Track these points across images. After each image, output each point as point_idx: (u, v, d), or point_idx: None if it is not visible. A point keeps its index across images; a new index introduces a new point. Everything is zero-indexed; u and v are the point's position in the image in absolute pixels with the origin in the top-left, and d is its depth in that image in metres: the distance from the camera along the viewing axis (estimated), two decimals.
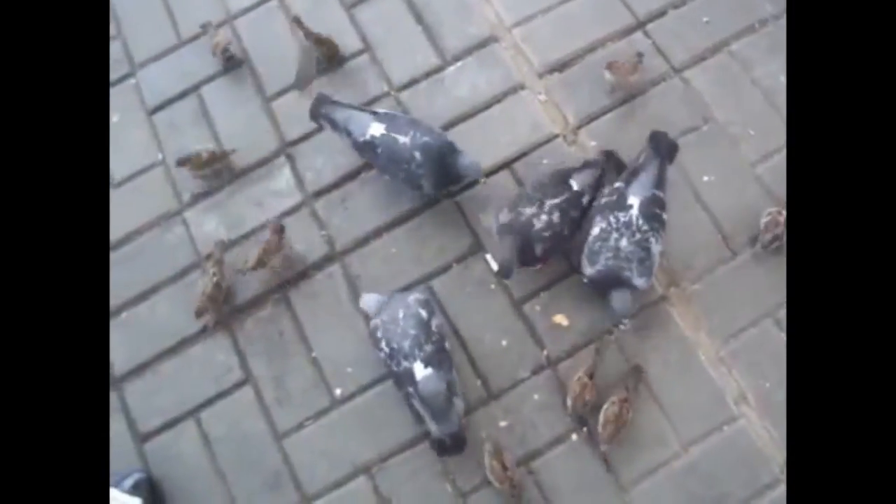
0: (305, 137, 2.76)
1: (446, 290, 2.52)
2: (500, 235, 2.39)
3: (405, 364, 2.21)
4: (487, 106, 2.72)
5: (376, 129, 2.46)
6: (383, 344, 2.25)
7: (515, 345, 2.44)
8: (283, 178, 2.72)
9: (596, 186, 2.43)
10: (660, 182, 2.38)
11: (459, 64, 2.81)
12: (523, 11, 2.87)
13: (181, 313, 2.57)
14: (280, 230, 2.53)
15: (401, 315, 2.26)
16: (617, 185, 2.40)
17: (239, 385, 2.50)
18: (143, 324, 2.59)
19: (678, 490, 2.28)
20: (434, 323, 2.28)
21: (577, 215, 2.41)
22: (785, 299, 2.41)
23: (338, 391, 2.45)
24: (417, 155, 2.41)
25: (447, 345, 2.30)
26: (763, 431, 2.32)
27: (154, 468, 2.44)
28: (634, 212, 2.32)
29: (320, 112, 2.58)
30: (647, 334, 2.42)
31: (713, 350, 2.41)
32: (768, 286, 2.44)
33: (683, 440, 2.32)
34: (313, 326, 2.53)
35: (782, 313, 2.41)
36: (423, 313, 2.27)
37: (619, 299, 2.31)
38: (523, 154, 2.66)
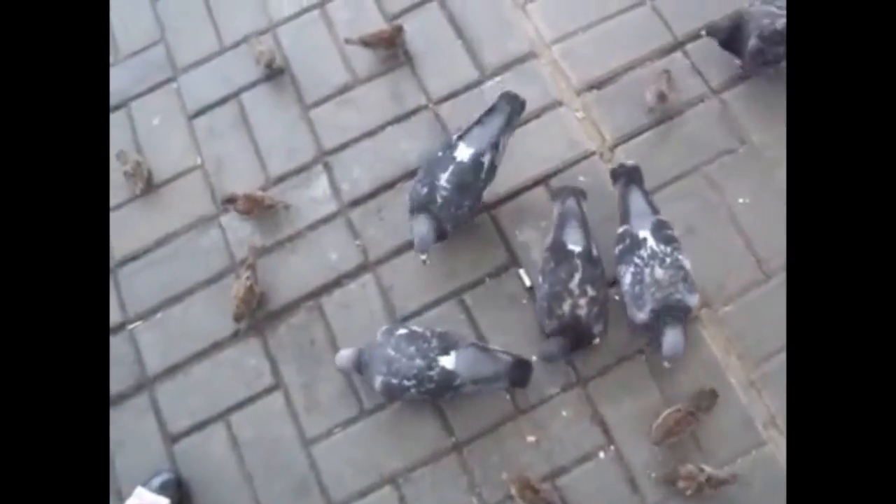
0: (343, 147, 2.78)
1: (478, 304, 2.52)
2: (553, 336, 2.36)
3: (434, 370, 2.26)
4: (525, 121, 2.70)
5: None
6: (404, 381, 2.29)
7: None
8: (319, 186, 2.74)
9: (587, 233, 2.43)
10: (652, 207, 2.40)
11: (498, 79, 2.83)
12: (563, 28, 2.88)
13: (214, 316, 2.61)
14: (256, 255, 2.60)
15: (391, 353, 2.31)
16: (620, 230, 2.40)
17: (269, 390, 2.52)
18: (176, 325, 2.62)
19: None
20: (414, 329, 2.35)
21: (600, 272, 2.41)
22: None
23: (366, 401, 2.47)
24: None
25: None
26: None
27: (182, 469, 2.47)
28: (651, 242, 2.32)
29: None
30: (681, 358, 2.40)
31: (744, 373, 2.40)
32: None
33: (711, 463, 2.29)
34: (345, 335, 2.54)
35: None
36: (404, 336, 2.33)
37: (670, 342, 2.26)
38: (559, 171, 2.66)
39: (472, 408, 2.42)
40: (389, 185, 2.72)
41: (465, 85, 2.83)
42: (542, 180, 2.67)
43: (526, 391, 2.41)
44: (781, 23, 2.49)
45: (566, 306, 2.31)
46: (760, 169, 2.62)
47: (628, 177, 2.46)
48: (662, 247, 2.31)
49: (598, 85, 2.79)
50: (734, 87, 2.73)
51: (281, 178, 2.77)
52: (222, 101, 2.92)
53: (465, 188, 2.41)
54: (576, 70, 2.82)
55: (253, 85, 2.92)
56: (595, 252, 2.41)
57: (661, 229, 2.35)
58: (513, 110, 2.48)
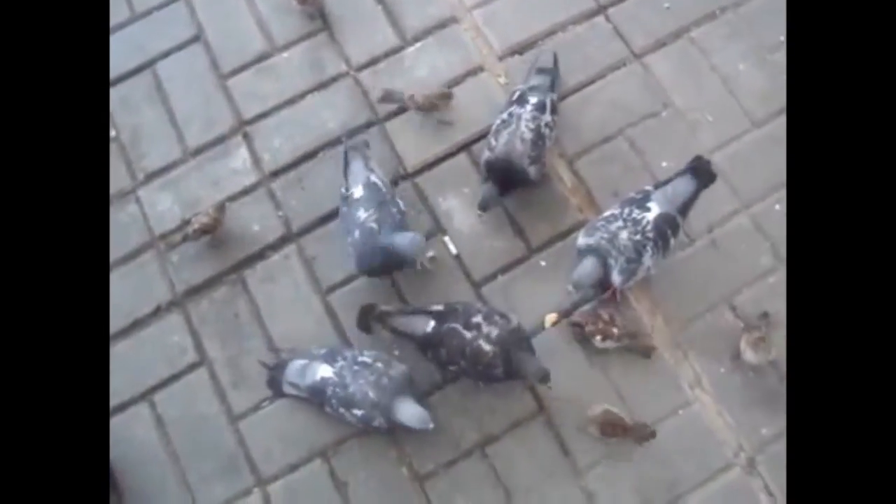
0: (262, 116, 2.73)
1: (406, 272, 2.49)
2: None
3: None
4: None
5: (358, 191, 2.41)
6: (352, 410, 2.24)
7: None
8: (239, 157, 2.68)
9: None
10: (685, 208, 2.36)
11: (419, 45, 2.79)
12: None
13: (134, 293, 2.54)
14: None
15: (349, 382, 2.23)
16: (647, 187, 2.38)
17: (193, 367, 2.47)
18: None
19: (633, 473, 2.31)
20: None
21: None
22: (740, 286, 2.45)
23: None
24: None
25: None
26: (717, 416, 2.35)
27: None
28: (649, 217, 2.30)
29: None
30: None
31: (669, 335, 2.43)
32: (724, 272, 2.47)
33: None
34: (269, 308, 2.50)
35: (738, 299, 2.43)
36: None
37: (585, 269, 2.29)
38: (482, 136, 2.62)
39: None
40: (311, 155, 2.67)
41: (386, 51, 2.79)
42: (465, 146, 2.65)
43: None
44: (524, 130, 2.41)
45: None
46: (683, 131, 2.64)
47: (700, 176, 2.38)
48: (649, 229, 2.28)
49: (520, 50, 2.78)
50: (656, 50, 2.74)
51: (199, 150, 2.70)
52: (136, 71, 2.82)
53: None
54: (497, 35, 2.79)
55: (167, 54, 2.83)
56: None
57: (666, 223, 2.31)
58: None
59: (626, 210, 2.31)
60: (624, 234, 2.27)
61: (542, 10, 2.81)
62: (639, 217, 2.29)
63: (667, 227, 2.31)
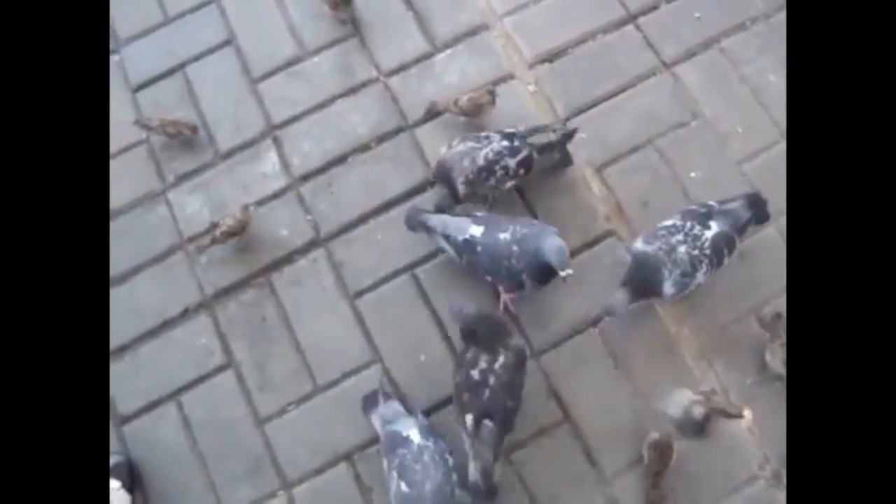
0: (292, 120, 2.74)
1: (431, 278, 2.51)
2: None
3: None
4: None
5: (476, 230, 2.36)
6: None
7: None
8: (269, 161, 2.69)
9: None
10: (742, 230, 2.36)
11: (449, 51, 2.80)
12: (515, 0, 2.86)
13: (163, 295, 2.55)
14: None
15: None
16: (712, 203, 2.37)
17: (221, 369, 2.48)
18: (123, 305, 2.54)
19: None
20: None
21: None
22: (767, 297, 2.44)
23: (319, 378, 2.44)
24: (516, 248, 2.29)
25: None
26: (743, 428, 2.33)
27: (133, 451, 2.42)
28: (709, 234, 2.29)
29: (413, 223, 2.49)
30: (632, 328, 2.41)
31: (695, 345, 2.42)
32: (751, 283, 2.46)
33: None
34: (296, 312, 2.51)
35: (765, 311, 2.41)
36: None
37: (616, 300, 2.29)
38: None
39: (425, 382, 2.41)
40: (340, 160, 2.68)
41: (416, 57, 2.80)
42: None
43: None
44: (482, 155, 2.43)
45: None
46: (712, 142, 2.64)
47: (756, 210, 2.39)
48: (707, 245, 2.27)
49: (550, 58, 2.78)
50: (686, 60, 2.74)
51: (229, 154, 2.71)
52: (167, 74, 2.84)
53: None
54: (528, 43, 2.80)
55: (198, 58, 2.85)
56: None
57: (724, 240, 2.30)
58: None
59: (689, 224, 2.30)
60: (682, 249, 2.27)
61: (573, 19, 2.81)
62: (699, 233, 2.29)
63: (724, 246, 2.31)
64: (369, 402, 2.32)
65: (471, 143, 2.45)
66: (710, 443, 2.31)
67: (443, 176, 2.47)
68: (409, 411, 2.27)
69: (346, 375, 2.44)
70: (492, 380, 2.14)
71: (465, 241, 2.36)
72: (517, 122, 2.61)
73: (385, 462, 2.18)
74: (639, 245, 2.32)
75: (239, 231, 2.52)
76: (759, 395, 2.35)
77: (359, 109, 2.74)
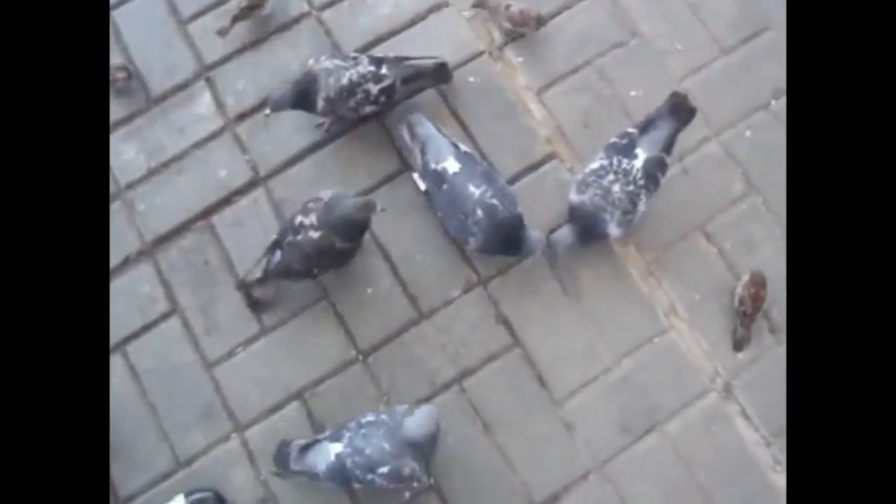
0: (225, 60, 2.67)
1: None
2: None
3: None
4: (411, 23, 2.66)
5: (452, 166, 2.31)
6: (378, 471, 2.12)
7: (446, 264, 2.43)
8: (203, 102, 2.62)
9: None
10: (668, 146, 2.32)
11: None
12: None
13: None
14: None
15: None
16: (630, 130, 2.34)
17: (165, 316, 2.45)
18: None
19: (611, 402, 2.31)
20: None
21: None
22: (712, 213, 2.45)
23: (266, 318, 2.42)
24: (480, 213, 2.26)
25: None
26: (693, 343, 2.36)
27: None
28: (638, 164, 2.27)
29: (405, 118, 2.45)
30: (577, 248, 2.39)
31: (643, 263, 2.42)
32: (696, 199, 2.46)
33: (616, 353, 2.35)
34: (239, 253, 2.47)
35: (710, 227, 2.43)
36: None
37: (562, 235, 2.31)
38: (455, 68, 2.59)
39: (373, 316, 2.39)
40: None
41: None
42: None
43: (427, 294, 2.41)
44: (347, 76, 2.39)
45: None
46: (652, 60, 2.61)
47: (679, 112, 2.32)
48: (640, 176, 2.26)
49: None
50: None
51: (162, 97, 2.64)
52: None
53: None
54: None
55: (124, 1, 2.74)
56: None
57: (654, 165, 2.29)
58: None
59: (615, 160, 2.28)
60: (617, 188, 2.26)
61: None
62: (628, 167, 2.27)
63: (656, 170, 2.30)
64: (281, 456, 2.26)
65: (338, 62, 2.42)
66: (661, 360, 2.34)
67: (304, 87, 2.41)
68: None
69: (293, 314, 2.42)
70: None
71: (435, 171, 2.33)
72: (449, 49, 2.59)
73: None
74: (573, 197, 2.31)
75: (259, 3, 2.56)
76: (708, 310, 2.37)
77: (292, 45, 2.67)
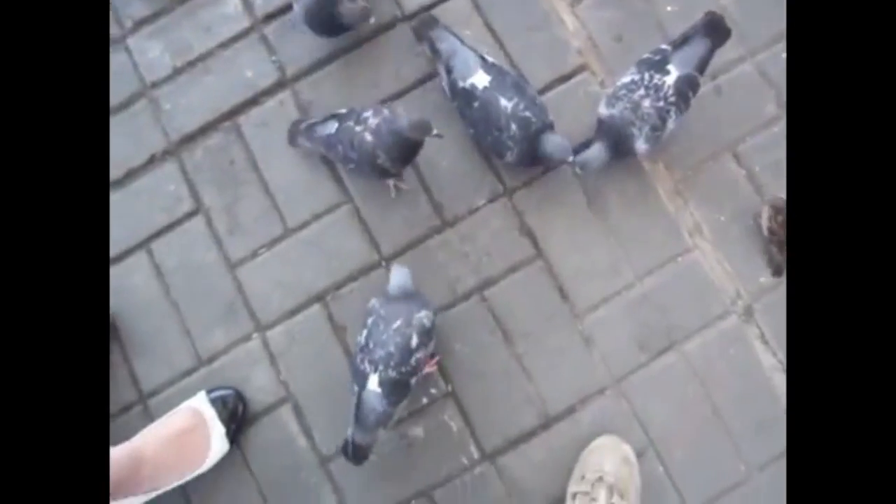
0: None
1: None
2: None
3: (365, 367, 2.09)
4: None
5: (481, 80, 2.25)
6: (364, 333, 2.12)
7: (472, 172, 2.41)
8: (230, 1, 2.58)
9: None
10: (702, 65, 2.27)
11: None
12: None
13: (127, 143, 2.49)
14: None
15: (396, 324, 2.09)
16: (664, 47, 2.28)
17: (190, 215, 2.45)
18: None
19: (631, 319, 2.32)
20: (416, 356, 2.10)
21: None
22: (743, 135, 2.40)
23: (290, 220, 2.42)
24: (514, 127, 2.21)
25: (414, 381, 2.14)
26: (716, 264, 2.34)
27: None
28: (670, 80, 2.22)
29: (425, 34, 2.37)
30: (606, 166, 2.36)
31: (670, 182, 2.39)
32: (728, 120, 2.41)
33: (638, 270, 2.34)
34: (264, 154, 2.46)
35: (740, 148, 2.39)
36: (414, 341, 2.08)
37: (594, 153, 2.26)
38: None
39: (397, 222, 2.39)
40: None
41: None
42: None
43: (452, 202, 2.40)
44: None
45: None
46: None
47: (715, 32, 2.27)
48: (671, 93, 2.21)
49: None
50: None
51: None
52: None
53: None
54: None
55: None
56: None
57: (686, 84, 2.24)
58: None
59: (647, 76, 2.23)
60: (647, 103, 2.21)
61: None
62: (660, 83, 2.22)
63: (688, 89, 2.25)
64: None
65: None
66: (684, 280, 2.33)
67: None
68: None
69: (317, 217, 2.41)
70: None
71: (464, 89, 2.28)
72: None
73: None
74: (603, 110, 2.26)
75: None
76: (733, 232, 2.35)
77: None
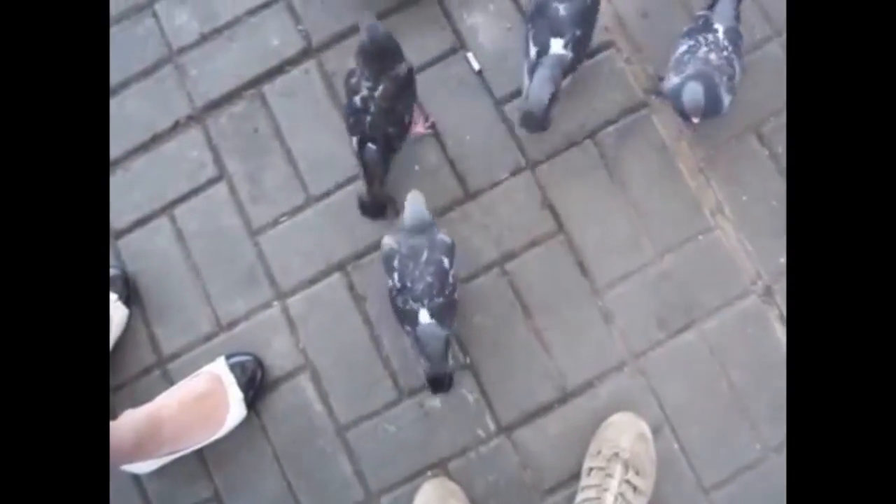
0: None
1: (426, 89, 2.42)
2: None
3: (412, 305, 2.13)
4: None
5: None
6: (396, 276, 2.15)
7: (495, 145, 2.41)
8: None
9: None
10: (738, 17, 2.28)
11: None
12: None
13: (152, 108, 2.51)
14: None
15: (424, 257, 2.12)
16: (700, 12, 2.29)
17: (213, 181, 2.46)
18: (113, 119, 2.48)
19: (651, 296, 2.31)
20: (451, 273, 2.15)
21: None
22: (766, 115, 2.38)
23: (313, 188, 2.43)
24: None
25: (457, 295, 2.20)
26: (737, 244, 2.33)
27: (129, 264, 2.42)
28: (720, 35, 2.22)
29: None
30: (628, 139, 2.39)
31: (693, 160, 2.39)
32: (752, 99, 2.39)
33: (659, 247, 2.34)
34: (289, 123, 2.47)
35: (764, 128, 2.38)
36: (446, 262, 2.14)
37: (695, 94, 2.16)
38: None
39: (425, 190, 2.34)
40: None
41: None
42: None
43: (474, 175, 2.40)
44: None
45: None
46: None
47: None
48: (726, 43, 2.21)
49: None
50: None
51: None
52: None
53: None
54: None
55: None
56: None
57: (734, 33, 2.24)
58: None
59: (700, 38, 2.22)
60: (713, 56, 2.20)
61: None
62: (714, 38, 2.22)
63: (737, 38, 2.26)
64: None
65: None
66: (704, 258, 2.33)
67: None
68: None
69: (339, 186, 2.42)
70: (372, 107, 2.19)
71: None
72: None
73: None
74: (673, 79, 2.22)
75: None
76: (755, 212, 2.34)
77: None
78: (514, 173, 2.40)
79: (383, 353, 2.34)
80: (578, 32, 2.23)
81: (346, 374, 2.35)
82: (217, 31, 2.55)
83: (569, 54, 2.23)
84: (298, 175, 2.44)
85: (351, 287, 2.37)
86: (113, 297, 2.34)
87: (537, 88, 2.22)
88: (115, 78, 2.54)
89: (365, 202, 2.32)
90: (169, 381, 2.38)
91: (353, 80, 2.21)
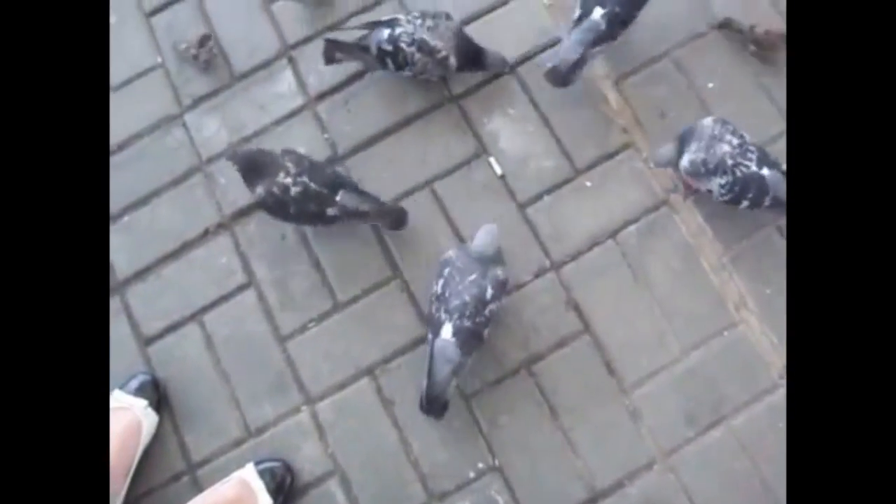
0: (307, 40, 2.71)
1: (450, 193, 2.50)
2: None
3: (441, 315, 2.18)
4: (492, 8, 2.67)
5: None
6: (441, 283, 2.20)
7: (519, 248, 2.44)
8: (284, 80, 2.67)
9: None
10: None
11: None
12: None
13: (182, 216, 2.57)
14: None
15: (472, 276, 2.18)
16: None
17: (241, 288, 2.50)
18: (144, 228, 2.57)
19: (678, 393, 2.31)
20: (490, 307, 2.19)
21: None
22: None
23: (340, 294, 2.46)
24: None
25: (486, 332, 2.24)
26: (763, 337, 2.34)
27: (159, 370, 2.45)
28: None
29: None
30: (650, 239, 2.42)
31: (715, 256, 2.41)
32: None
33: (684, 345, 2.34)
34: (315, 230, 2.51)
35: (783, 221, 2.40)
36: (489, 293, 2.18)
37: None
38: (527, 58, 2.62)
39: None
40: (357, 76, 2.65)
41: None
42: (511, 68, 2.62)
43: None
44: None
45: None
46: (730, 51, 2.59)
47: None
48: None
49: None
50: None
51: (244, 75, 2.70)
52: None
53: None
54: None
55: None
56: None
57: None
58: None
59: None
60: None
61: None
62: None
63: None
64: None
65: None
66: (730, 353, 2.33)
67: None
68: None
69: (367, 292, 2.45)
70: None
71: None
72: (529, 35, 2.64)
73: None
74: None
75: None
76: (779, 305, 2.34)
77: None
78: (538, 275, 2.43)
79: (412, 456, 2.34)
80: (618, 9, 2.36)
81: (376, 478, 2.34)
82: (245, 140, 2.63)
83: (602, 24, 2.36)
84: (325, 281, 2.47)
85: (379, 391, 2.38)
86: (143, 403, 2.36)
87: (567, 48, 2.39)
88: (146, 188, 2.62)
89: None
90: (198, 487, 2.37)
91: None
